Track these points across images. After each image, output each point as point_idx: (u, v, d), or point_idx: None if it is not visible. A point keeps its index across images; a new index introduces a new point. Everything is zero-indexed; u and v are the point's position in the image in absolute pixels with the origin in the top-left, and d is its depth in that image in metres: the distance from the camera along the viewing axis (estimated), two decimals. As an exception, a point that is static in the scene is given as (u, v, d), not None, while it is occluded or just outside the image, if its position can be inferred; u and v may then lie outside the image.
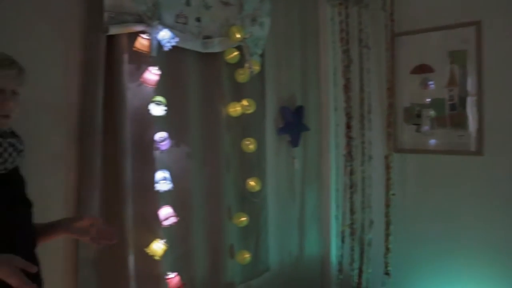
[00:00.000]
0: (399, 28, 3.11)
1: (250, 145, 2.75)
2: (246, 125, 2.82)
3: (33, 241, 1.53)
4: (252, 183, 2.79)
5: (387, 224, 3.06)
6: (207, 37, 2.55)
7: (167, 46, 2.25)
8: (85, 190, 2.09)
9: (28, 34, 1.93)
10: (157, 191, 2.28)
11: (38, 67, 1.91)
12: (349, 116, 3.21)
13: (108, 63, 2.14)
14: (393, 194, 3.07)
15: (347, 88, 3.21)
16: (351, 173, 3.21)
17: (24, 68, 1.46)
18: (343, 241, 3.30)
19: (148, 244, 2.27)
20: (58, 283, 2.04)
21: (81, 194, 2.09)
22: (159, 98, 2.26)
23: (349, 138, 3.22)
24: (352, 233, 3.25)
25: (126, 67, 2.20)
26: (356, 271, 3.22)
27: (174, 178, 2.35)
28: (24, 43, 1.89)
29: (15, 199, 1.47)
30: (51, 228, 1.66)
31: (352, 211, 3.22)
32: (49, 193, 1.98)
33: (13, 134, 1.50)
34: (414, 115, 3.12)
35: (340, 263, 3.33)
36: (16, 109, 1.44)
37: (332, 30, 3.35)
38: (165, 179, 2.25)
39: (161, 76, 2.27)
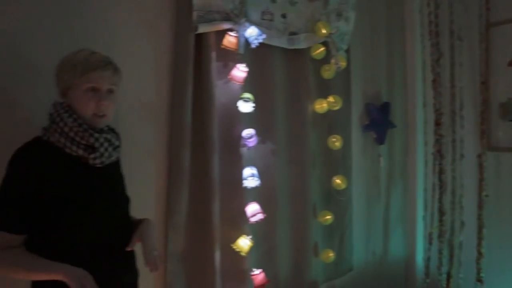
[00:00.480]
0: (494, 17, 2.90)
1: (336, 142, 2.69)
2: (331, 122, 2.76)
3: (130, 234, 1.58)
4: (338, 181, 2.73)
5: (480, 227, 2.86)
6: (293, 33, 2.52)
7: (255, 43, 2.25)
8: (175, 186, 2.14)
9: (122, 35, 2.00)
10: (245, 188, 2.29)
11: (131, 66, 1.97)
12: (438, 112, 3.05)
13: (196, 61, 2.17)
14: (487, 196, 2.87)
15: (436, 83, 3.04)
16: (441, 172, 3.04)
17: (119, 68, 1.51)
18: (430, 243, 3.15)
19: (234, 240, 2.29)
20: (148, 275, 2.07)
21: (170, 190, 2.15)
22: (247, 95, 2.26)
23: (438, 135, 3.05)
24: (440, 235, 3.08)
25: (214, 65, 2.22)
26: (444, 276, 3.06)
27: (259, 175, 2.35)
28: (118, 43, 1.97)
29: (113, 192, 1.53)
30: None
31: (441, 212, 3.06)
32: (141, 189, 2.03)
33: (110, 130, 1.57)
34: (510, 111, 2.90)
35: (427, 266, 3.18)
36: (111, 108, 1.49)
37: (420, 22, 3.19)
38: (253, 175, 2.26)
39: (248, 73, 2.27)
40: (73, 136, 1.40)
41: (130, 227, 1.60)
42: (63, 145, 1.40)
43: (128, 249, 1.49)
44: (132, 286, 1.60)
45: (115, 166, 1.61)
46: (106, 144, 1.45)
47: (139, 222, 1.63)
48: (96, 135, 1.43)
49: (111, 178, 1.57)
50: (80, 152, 1.41)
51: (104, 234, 1.46)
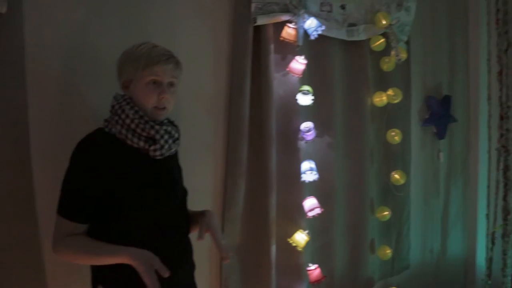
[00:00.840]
0: None
1: (395, 136, 2.61)
2: (390, 116, 2.67)
3: (188, 226, 1.59)
4: (396, 176, 2.65)
5: (551, 229, 2.71)
6: (352, 25, 2.46)
7: (314, 35, 2.21)
8: (232, 179, 2.14)
9: (181, 28, 2.01)
10: (302, 182, 2.26)
11: (190, 59, 1.89)
12: (504, 106, 2.89)
13: (254, 53, 2.16)
14: (559, 195, 2.71)
15: (502, 75, 2.88)
16: (506, 169, 2.89)
17: (180, 62, 1.51)
18: (493, 243, 3.00)
19: (291, 234, 2.27)
20: (204, 268, 2.12)
21: (227, 182, 2.15)
22: (306, 88, 2.22)
23: (503, 130, 2.90)
24: (504, 235, 2.94)
25: (272, 57, 2.20)
26: (509, 278, 2.91)
27: (317, 169, 2.31)
28: (178, 36, 1.98)
29: (165, 184, 1.53)
30: (197, 219, 1.63)
31: (505, 211, 2.91)
32: (198, 180, 2.03)
33: (170, 123, 1.57)
34: None
35: (489, 267, 3.04)
36: (172, 101, 1.50)
37: (487, 10, 3.03)
38: (311, 169, 2.22)
39: (306, 65, 2.23)
40: (134, 128, 1.42)
41: (188, 219, 1.60)
42: (125, 137, 1.42)
43: (198, 239, 1.49)
44: (190, 278, 1.61)
45: (174, 158, 1.62)
46: (166, 136, 1.46)
47: (201, 213, 1.61)
48: (157, 127, 1.43)
49: (170, 170, 1.58)
50: (141, 144, 1.42)
51: (164, 226, 1.47)
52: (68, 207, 1.39)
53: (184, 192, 1.63)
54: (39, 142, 1.64)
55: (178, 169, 1.66)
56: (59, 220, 1.39)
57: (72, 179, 1.39)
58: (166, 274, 1.29)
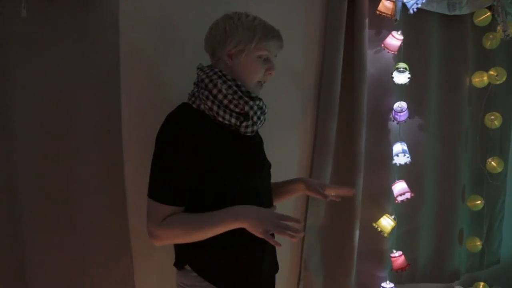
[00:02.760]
0: None
1: (495, 120, 2.41)
2: (490, 98, 2.47)
3: (271, 201, 1.55)
4: (493, 163, 2.46)
5: None
6: (454, -2, 2.28)
7: (413, 9, 2.06)
8: (319, 156, 2.07)
9: (271, 1, 1.93)
10: (393, 164, 2.16)
11: (281, 33, 1.90)
12: None
13: (348, 28, 2.06)
14: None
15: None
16: None
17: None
18: None
19: (376, 218, 2.19)
20: (285, 248, 2.05)
21: (314, 160, 2.08)
22: (403, 65, 2.09)
23: None
24: None
25: (367, 32, 2.09)
26: None
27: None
28: (268, 9, 1.89)
29: (257, 159, 1.49)
30: (288, 186, 1.66)
31: None
32: (285, 157, 2.00)
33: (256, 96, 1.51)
34: None
35: None
36: None
37: None
38: (404, 151, 2.11)
39: (402, 41, 2.11)
40: (227, 103, 1.35)
41: (271, 193, 1.56)
42: (216, 114, 1.35)
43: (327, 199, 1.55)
44: (274, 255, 1.56)
45: (257, 132, 1.57)
46: (259, 112, 1.40)
47: (294, 182, 1.66)
48: (251, 103, 1.37)
49: (259, 144, 1.54)
50: (233, 120, 1.36)
51: (257, 201, 1.40)
52: (166, 191, 1.29)
53: (269, 166, 1.58)
54: (129, 115, 1.63)
55: (262, 142, 1.61)
56: (155, 205, 1.30)
57: (168, 158, 1.29)
58: (300, 233, 1.27)
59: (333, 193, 1.62)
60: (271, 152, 1.63)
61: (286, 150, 2.02)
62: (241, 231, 1.29)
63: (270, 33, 1.39)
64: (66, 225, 1.51)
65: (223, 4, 1.68)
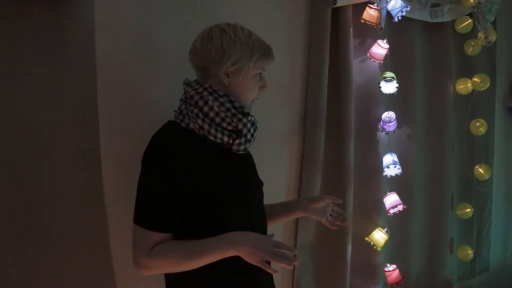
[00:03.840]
0: None
1: (480, 127, 2.39)
2: (474, 105, 2.46)
3: (265, 223, 1.46)
4: (480, 170, 2.44)
5: None
6: (435, 5, 2.27)
7: (398, 17, 2.03)
8: (308, 171, 2.01)
9: (251, 10, 1.85)
10: (383, 176, 2.11)
11: None
12: None
13: (333, 38, 2.01)
14: None
15: None
16: None
17: None
18: None
19: (368, 232, 2.13)
20: (275, 266, 1.98)
21: (303, 175, 2.01)
22: (390, 74, 2.05)
23: None
24: None
25: (352, 42, 2.04)
26: None
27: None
28: (248, 18, 1.76)
29: (251, 179, 1.42)
30: (286, 208, 1.62)
31: None
32: (272, 173, 1.86)
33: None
34: None
35: None
36: None
37: None
38: (394, 163, 2.06)
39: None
40: (220, 122, 1.27)
41: (264, 214, 1.48)
42: (207, 132, 1.26)
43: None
44: (271, 279, 1.47)
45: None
46: (252, 129, 1.32)
47: (284, 204, 1.64)
48: (244, 120, 1.29)
49: (251, 163, 1.46)
50: (225, 139, 1.28)
51: (251, 221, 1.34)
52: (154, 216, 1.20)
53: (262, 184, 1.49)
54: (108, 136, 1.50)
55: (253, 159, 1.52)
56: (142, 232, 1.20)
57: (156, 181, 1.21)
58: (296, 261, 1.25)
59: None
60: (258, 168, 1.53)
61: (273, 166, 1.93)
62: (238, 258, 1.22)
63: (267, 51, 1.34)
64: (44, 257, 1.38)
65: (206, 11, 1.61)
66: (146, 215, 1.21)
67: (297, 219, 2.01)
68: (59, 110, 1.39)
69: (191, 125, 1.27)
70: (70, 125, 1.42)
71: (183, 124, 1.28)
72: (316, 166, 2.01)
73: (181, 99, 1.33)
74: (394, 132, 2.12)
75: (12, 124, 1.32)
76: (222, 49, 1.27)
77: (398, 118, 2.17)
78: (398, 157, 2.17)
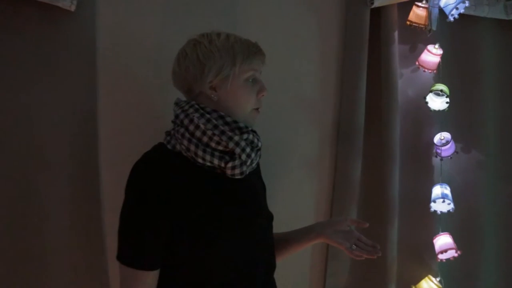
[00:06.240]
0: None
1: None
2: None
3: (273, 261, 1.27)
4: None
5: None
6: (513, -1, 1.84)
7: (453, 15, 1.65)
8: (340, 202, 1.72)
9: (275, 15, 1.64)
10: (433, 212, 1.72)
11: (288, 53, 1.64)
12: None
13: (372, 44, 1.72)
14: None
15: None
16: None
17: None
18: None
19: (416, 280, 1.76)
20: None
21: (334, 208, 1.73)
22: (440, 87, 1.70)
23: None
24: None
25: (397, 48, 1.73)
26: None
27: (457, 196, 1.75)
28: (272, 26, 1.63)
29: (251, 209, 1.22)
30: (301, 234, 1.39)
31: None
32: (298, 203, 1.69)
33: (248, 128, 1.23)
34: None
35: None
36: None
37: None
38: (444, 196, 1.67)
39: (442, 57, 1.73)
40: (207, 141, 1.11)
41: (273, 251, 1.28)
42: (194, 154, 1.11)
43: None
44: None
45: (256, 173, 1.30)
46: (248, 149, 1.13)
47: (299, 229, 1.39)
48: (236, 138, 1.11)
49: (254, 190, 1.25)
50: (216, 161, 1.11)
51: (249, 263, 1.17)
52: (133, 253, 1.09)
53: (270, 218, 1.30)
54: (108, 144, 1.46)
55: (262, 188, 1.33)
56: (126, 270, 1.09)
57: (136, 216, 1.09)
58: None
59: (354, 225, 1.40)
60: (280, 199, 1.47)
61: (298, 196, 1.71)
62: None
63: (251, 49, 1.17)
64: (38, 261, 1.38)
65: (226, 15, 1.52)
66: (126, 252, 1.09)
67: (326, 257, 1.73)
68: (58, 115, 1.38)
69: (178, 147, 1.13)
70: (67, 152, 1.40)
71: (169, 146, 1.15)
72: (350, 196, 1.72)
73: (172, 121, 1.19)
74: (451, 157, 1.73)
75: (4, 143, 1.34)
76: (199, 62, 1.14)
77: (460, 140, 1.81)
78: (462, 189, 1.82)
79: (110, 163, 1.44)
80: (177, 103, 1.19)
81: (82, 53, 1.40)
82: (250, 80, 1.17)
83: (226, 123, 1.13)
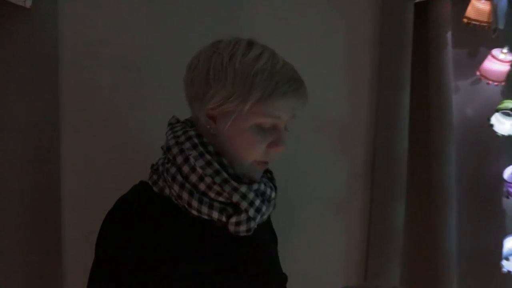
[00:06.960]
0: None
1: None
2: None
3: None
4: None
5: None
6: None
7: (529, 8, 1.29)
8: (377, 260, 1.43)
9: (294, 21, 1.39)
10: (507, 274, 1.36)
11: (312, 66, 1.36)
12: None
13: (417, 48, 1.39)
14: None
15: None
16: None
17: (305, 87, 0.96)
18: None
19: None
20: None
21: (370, 265, 1.44)
22: (510, 104, 1.36)
23: None
24: None
25: (451, 53, 1.38)
26: None
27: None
28: (291, 34, 1.38)
29: (259, 272, 1.01)
30: None
31: None
32: (320, 259, 1.44)
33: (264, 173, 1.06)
34: None
35: None
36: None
37: None
38: (519, 252, 1.29)
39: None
40: (205, 190, 0.91)
41: None
42: (187, 204, 0.91)
43: None
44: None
45: (266, 224, 1.09)
46: (258, 202, 0.94)
47: None
48: (243, 188, 0.93)
49: (264, 247, 1.05)
50: (215, 215, 0.92)
51: None
52: None
53: (284, 279, 1.11)
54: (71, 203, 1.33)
55: (273, 240, 1.16)
56: None
57: (107, 282, 0.91)
58: None
59: None
60: (297, 254, 1.35)
61: (322, 250, 1.46)
62: None
63: (283, 87, 0.90)
64: None
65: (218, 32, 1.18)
66: None
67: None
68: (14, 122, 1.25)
69: (166, 191, 0.94)
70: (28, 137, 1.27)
71: (155, 188, 0.95)
72: (390, 248, 1.41)
73: (161, 147, 0.99)
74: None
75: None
76: (207, 81, 0.91)
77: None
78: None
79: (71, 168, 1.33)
80: (172, 126, 0.98)
81: (41, 54, 1.25)
82: (262, 127, 0.92)
83: (229, 172, 0.93)
